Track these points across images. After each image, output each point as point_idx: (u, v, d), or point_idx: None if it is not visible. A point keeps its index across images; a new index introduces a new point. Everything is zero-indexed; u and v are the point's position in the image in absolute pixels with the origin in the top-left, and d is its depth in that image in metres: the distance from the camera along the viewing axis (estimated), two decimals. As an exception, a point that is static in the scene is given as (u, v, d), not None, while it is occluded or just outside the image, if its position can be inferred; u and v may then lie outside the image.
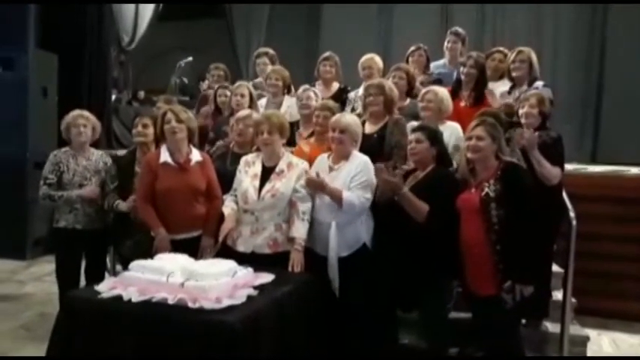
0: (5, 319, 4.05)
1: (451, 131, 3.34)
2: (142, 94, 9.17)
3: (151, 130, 3.37)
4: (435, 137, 2.91)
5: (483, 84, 3.84)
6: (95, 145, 3.72)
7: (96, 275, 3.47)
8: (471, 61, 3.83)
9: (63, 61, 6.18)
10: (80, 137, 3.47)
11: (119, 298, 2.21)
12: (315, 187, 2.90)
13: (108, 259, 3.86)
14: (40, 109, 5.88)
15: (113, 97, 7.55)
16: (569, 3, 7.78)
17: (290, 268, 2.80)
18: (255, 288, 2.39)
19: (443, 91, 3.49)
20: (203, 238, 3.02)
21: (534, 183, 2.84)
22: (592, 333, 3.64)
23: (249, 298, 2.27)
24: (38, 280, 5.09)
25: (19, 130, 5.76)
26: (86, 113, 3.55)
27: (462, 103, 3.79)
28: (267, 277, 2.52)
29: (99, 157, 3.58)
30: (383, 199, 2.90)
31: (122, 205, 3.29)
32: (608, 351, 3.86)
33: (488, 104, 3.75)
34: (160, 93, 7.68)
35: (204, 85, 5.21)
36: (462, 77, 3.87)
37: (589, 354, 3.46)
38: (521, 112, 3.33)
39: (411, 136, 2.95)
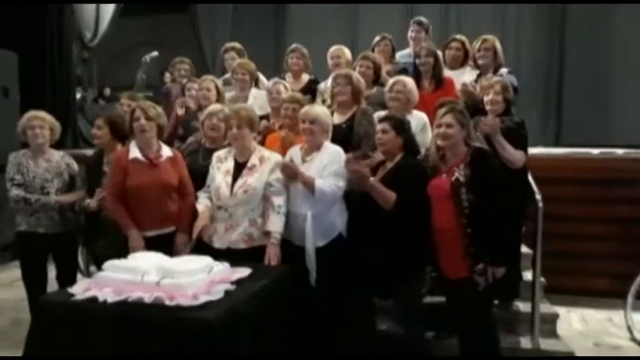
0: (-23, 327, 3.97)
1: (417, 120, 3.39)
2: (107, 91, 9.01)
3: (105, 131, 3.30)
4: (401, 127, 2.95)
5: (440, 69, 3.99)
6: (61, 144, 3.63)
7: (67, 279, 3.41)
8: (424, 51, 4.01)
9: (24, 60, 6.01)
10: (37, 139, 3.37)
11: (94, 299, 2.18)
12: (289, 173, 2.91)
13: (81, 261, 3.80)
14: (1, 109, 5.70)
15: (78, 95, 7.39)
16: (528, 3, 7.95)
17: (267, 262, 2.81)
18: (232, 283, 2.39)
19: (411, 82, 3.54)
20: (177, 235, 3.01)
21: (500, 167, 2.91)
22: (561, 310, 3.76)
23: (227, 293, 2.28)
24: (9, 285, 4.97)
25: (-21, 132, 5.58)
26: (42, 114, 3.44)
27: (424, 91, 3.88)
28: (244, 272, 2.52)
29: (60, 158, 3.50)
30: (357, 188, 2.93)
31: (92, 203, 3.22)
32: (578, 327, 4.01)
33: (448, 87, 3.90)
34: (126, 89, 7.53)
35: (167, 77, 5.14)
36: (420, 67, 4.01)
37: (559, 331, 3.57)
38: (486, 99, 3.40)
39: (378, 127, 2.99)
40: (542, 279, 3.55)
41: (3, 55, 5.83)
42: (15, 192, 3.31)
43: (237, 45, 4.78)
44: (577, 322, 4.09)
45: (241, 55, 4.62)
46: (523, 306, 3.55)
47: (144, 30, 9.40)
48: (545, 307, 3.56)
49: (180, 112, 4.05)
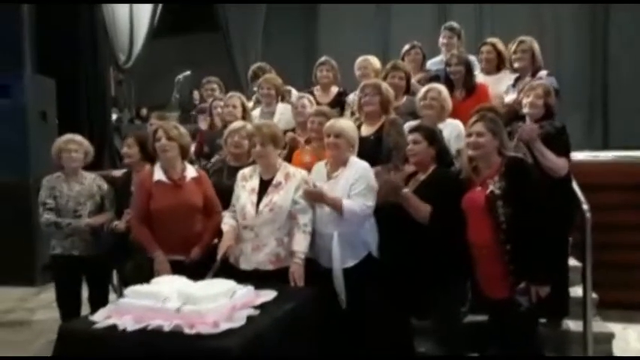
0: (15, 349, 3.97)
1: (452, 128, 3.27)
2: (144, 111, 9.20)
3: (135, 150, 3.33)
4: (432, 137, 2.84)
5: (471, 77, 3.89)
6: (98, 165, 3.67)
7: (100, 302, 3.38)
8: (455, 59, 3.90)
9: (60, 85, 6.16)
10: (72, 162, 3.42)
11: (114, 327, 2.13)
12: (314, 198, 2.81)
13: (115, 281, 3.81)
14: (40, 133, 5.84)
15: (114, 116, 7.55)
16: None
17: (291, 283, 2.71)
18: (256, 307, 2.30)
19: (445, 89, 3.44)
20: (193, 250, 2.91)
21: (541, 177, 2.75)
22: (616, 327, 3.51)
23: (249, 319, 2.18)
24: (48, 307, 5.01)
25: (20, 156, 5.72)
26: (78, 137, 3.50)
27: (455, 100, 3.73)
28: (268, 295, 2.43)
29: (92, 180, 3.53)
30: (386, 203, 2.81)
31: (120, 225, 3.22)
32: (636, 346, 3.70)
33: (480, 94, 3.77)
34: (161, 109, 7.67)
35: (196, 95, 5.18)
36: (451, 77, 3.90)
37: (616, 351, 3.31)
38: (525, 101, 3.22)
39: (409, 138, 2.89)
40: (594, 294, 3.32)
41: (41, 82, 6.00)
42: (46, 216, 3.34)
43: (266, 66, 4.76)
44: (635, 341, 3.77)
45: (267, 73, 4.57)
46: (574, 325, 3.30)
47: (177, 50, 9.58)
48: (598, 326, 3.32)
49: (204, 127, 4.04)
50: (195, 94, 6.81)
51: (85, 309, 3.45)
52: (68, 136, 3.50)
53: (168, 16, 8.28)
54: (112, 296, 3.77)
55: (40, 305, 5.11)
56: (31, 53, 5.97)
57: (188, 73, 7.60)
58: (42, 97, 5.97)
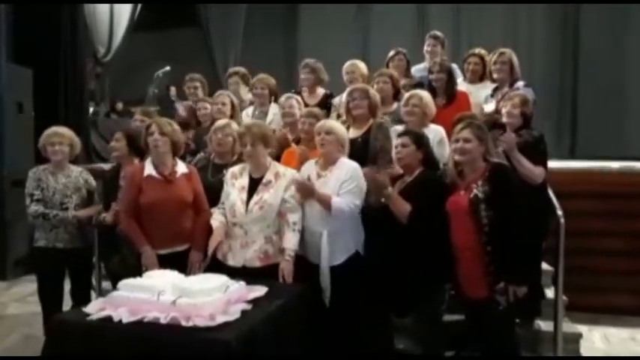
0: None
1: (434, 134, 3.35)
2: (120, 105, 9.03)
3: (123, 144, 3.34)
4: (420, 141, 2.93)
5: (453, 85, 3.98)
6: (74, 160, 3.64)
7: (82, 295, 3.43)
8: (437, 67, 4.00)
9: (38, 76, 6.02)
10: (56, 156, 3.39)
11: (109, 319, 2.15)
12: (305, 191, 2.86)
13: (93, 277, 3.78)
14: (16, 125, 5.72)
15: (91, 110, 7.42)
16: (541, 3, 7.90)
17: (280, 279, 2.76)
18: (248, 302, 2.34)
19: (427, 95, 3.52)
20: (192, 253, 2.96)
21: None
22: (583, 329, 3.66)
23: (243, 313, 2.23)
24: (21, 300, 4.95)
25: (-6, 147, 5.61)
26: (61, 130, 3.46)
27: (437, 107, 3.81)
28: (260, 291, 2.47)
29: (78, 173, 3.51)
30: (374, 203, 2.89)
31: (108, 217, 3.22)
32: (600, 346, 3.89)
33: (461, 102, 3.87)
34: (137, 104, 7.57)
35: (173, 91, 5.15)
36: (433, 84, 3.99)
37: (582, 351, 3.47)
38: (503, 110, 3.35)
39: (397, 141, 2.96)
40: (564, 297, 3.46)
41: (18, 72, 5.87)
42: (34, 207, 3.31)
43: (241, 69, 4.77)
44: (599, 341, 3.97)
45: (245, 81, 4.58)
46: (545, 325, 3.45)
47: (155, 45, 9.43)
48: (567, 327, 3.47)
49: (183, 113, 4.05)
50: (172, 90, 6.74)
51: (65, 302, 3.43)
52: (53, 129, 3.46)
53: (148, 11, 8.18)
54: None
55: (12, 299, 5.02)
56: (8, 42, 5.85)
57: (168, 68, 7.51)
58: (18, 88, 5.84)
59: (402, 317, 3.05)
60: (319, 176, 2.96)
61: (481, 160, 2.70)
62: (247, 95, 4.44)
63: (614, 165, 4.79)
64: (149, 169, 2.97)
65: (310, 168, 3.04)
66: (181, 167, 3.05)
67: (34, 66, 5.99)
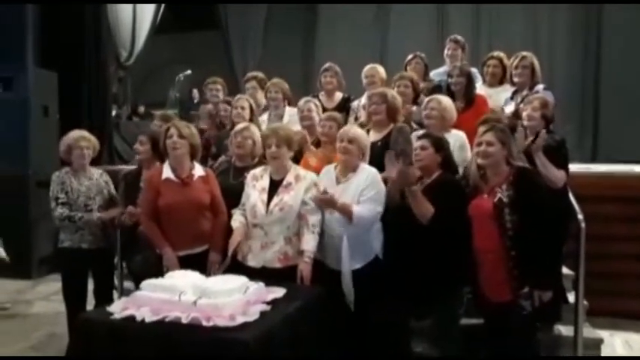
0: (14, 340, 4.02)
1: (455, 139, 3.35)
2: (142, 108, 9.21)
3: (147, 147, 3.40)
4: (440, 144, 2.93)
5: (472, 89, 3.97)
6: (97, 161, 3.72)
7: (105, 294, 3.50)
8: (457, 71, 4.00)
9: (62, 79, 6.18)
10: (83, 159, 3.47)
11: (132, 318, 2.19)
12: (325, 204, 2.87)
13: (115, 277, 3.85)
14: (42, 128, 5.88)
15: (113, 112, 7.57)
16: (563, 3, 7.82)
17: (298, 281, 2.79)
18: (267, 303, 2.37)
19: (446, 100, 3.51)
20: (210, 254, 3.01)
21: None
22: (604, 334, 3.62)
23: (262, 314, 2.25)
24: (45, 299, 5.07)
25: (20, 150, 5.76)
26: (87, 134, 3.55)
27: (456, 110, 3.82)
28: (278, 292, 2.50)
29: (99, 175, 3.60)
30: (391, 203, 2.89)
31: (126, 220, 3.29)
32: (621, 352, 3.84)
33: (479, 106, 3.85)
34: (159, 107, 7.71)
35: (195, 93, 5.19)
36: (452, 87, 3.98)
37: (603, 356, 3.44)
38: (524, 114, 3.33)
39: (416, 144, 2.97)
40: (585, 301, 3.43)
41: (43, 76, 6.02)
42: (60, 210, 3.38)
43: (259, 74, 4.79)
44: (621, 347, 3.91)
45: (262, 85, 4.62)
46: (565, 330, 3.42)
47: (176, 48, 9.59)
48: (588, 331, 3.43)
49: (203, 125, 4.10)
50: (195, 93, 6.83)
51: (89, 302, 3.51)
52: (78, 132, 3.54)
53: (169, 14, 8.31)
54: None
55: (37, 297, 5.14)
56: (34, 46, 5.99)
57: (189, 72, 7.64)
58: (44, 91, 5.99)
59: (420, 320, 3.04)
60: (338, 182, 2.97)
61: (504, 163, 2.68)
62: (264, 100, 4.48)
63: (636, 168, 4.72)
64: (167, 172, 3.02)
65: (329, 172, 3.05)
66: (198, 170, 3.10)
67: (59, 69, 6.15)
